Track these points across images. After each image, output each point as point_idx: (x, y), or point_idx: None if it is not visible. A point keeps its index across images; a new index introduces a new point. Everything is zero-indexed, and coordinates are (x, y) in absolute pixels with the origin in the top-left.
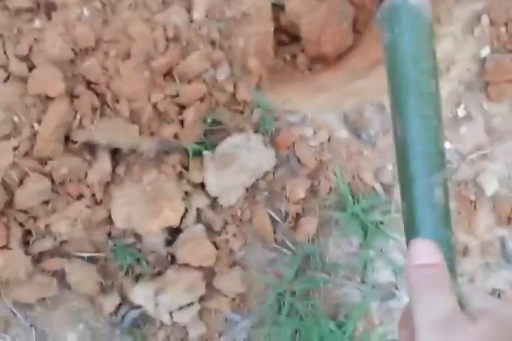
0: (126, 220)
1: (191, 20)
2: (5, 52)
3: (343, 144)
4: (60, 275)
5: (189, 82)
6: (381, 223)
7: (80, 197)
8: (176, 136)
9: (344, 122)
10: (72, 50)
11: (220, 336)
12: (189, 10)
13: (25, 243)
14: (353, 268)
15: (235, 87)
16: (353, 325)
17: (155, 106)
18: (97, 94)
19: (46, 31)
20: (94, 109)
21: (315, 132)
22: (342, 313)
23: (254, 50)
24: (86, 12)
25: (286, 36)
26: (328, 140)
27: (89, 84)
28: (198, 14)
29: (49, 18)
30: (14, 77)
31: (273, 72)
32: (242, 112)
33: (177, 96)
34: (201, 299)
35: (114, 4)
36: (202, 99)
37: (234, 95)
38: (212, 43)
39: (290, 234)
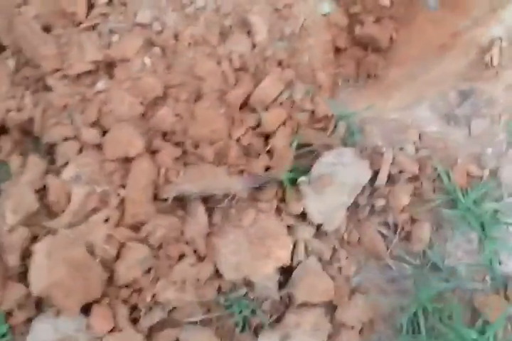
0: (235, 269)
1: (254, 46)
2: (72, 123)
3: (437, 138)
4: None
5: (267, 108)
6: (496, 211)
7: (182, 256)
8: (266, 169)
9: (431, 114)
10: (141, 103)
11: None
12: (249, 35)
13: (133, 320)
14: (478, 267)
15: (312, 103)
16: (494, 330)
17: (238, 141)
18: (176, 144)
19: (111, 91)
20: (176, 160)
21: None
22: (480, 319)
23: (320, 62)
24: (147, 61)
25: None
26: (419, 137)
27: (165, 135)
28: (259, 37)
29: (111, 76)
30: (88, 146)
31: (342, 80)
32: (326, 129)
33: (258, 126)
34: (329, 337)
35: (174, 46)
36: (284, 124)
37: (313, 113)
38: (280, 64)
39: (404, 246)
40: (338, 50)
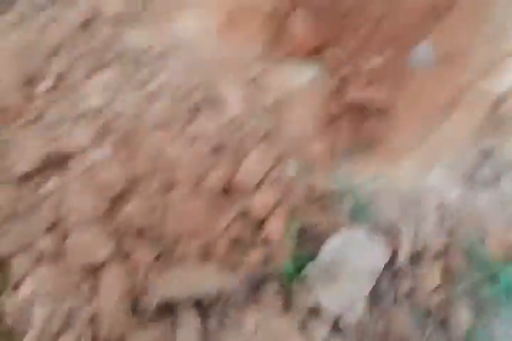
0: None
1: (230, 121)
2: (23, 231)
3: (461, 205)
4: None
5: (255, 191)
6: None
7: None
8: (264, 262)
9: (450, 179)
10: (104, 199)
11: None
12: (223, 110)
13: None
14: None
15: (309, 179)
16: None
17: (225, 233)
18: (152, 243)
19: (65, 189)
20: (154, 262)
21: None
22: None
23: (312, 133)
24: (106, 151)
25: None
26: (441, 207)
27: (138, 234)
28: (234, 111)
29: (63, 173)
30: (46, 256)
31: (341, 150)
32: (328, 207)
33: (247, 212)
34: None
35: (136, 131)
36: (278, 205)
37: (311, 190)
38: (265, 139)
39: (442, 333)
40: (332, 118)
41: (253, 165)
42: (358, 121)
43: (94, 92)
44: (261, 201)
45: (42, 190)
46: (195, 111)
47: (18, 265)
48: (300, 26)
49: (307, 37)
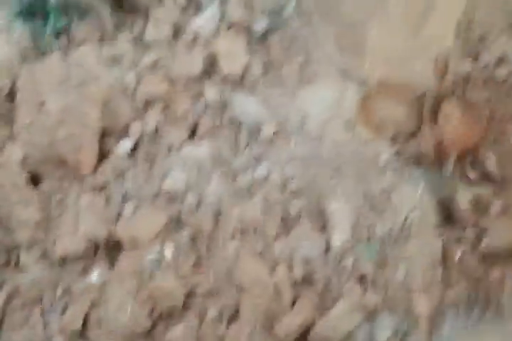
0: None
1: (328, 248)
2: (45, 326)
3: None
4: None
5: None
6: None
7: None
8: None
9: None
10: (150, 314)
11: None
12: (324, 231)
13: None
14: None
15: None
16: None
17: None
18: None
19: (108, 287)
20: None
21: None
22: None
23: (422, 280)
24: (168, 251)
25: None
26: None
27: None
28: (339, 237)
29: (112, 265)
30: None
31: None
32: None
33: None
34: None
35: (211, 233)
36: None
37: None
38: (362, 279)
39: None
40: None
41: (339, 318)
42: (481, 272)
43: (175, 171)
44: None
45: (81, 281)
46: (290, 225)
47: None
48: (455, 122)
49: (462, 136)
